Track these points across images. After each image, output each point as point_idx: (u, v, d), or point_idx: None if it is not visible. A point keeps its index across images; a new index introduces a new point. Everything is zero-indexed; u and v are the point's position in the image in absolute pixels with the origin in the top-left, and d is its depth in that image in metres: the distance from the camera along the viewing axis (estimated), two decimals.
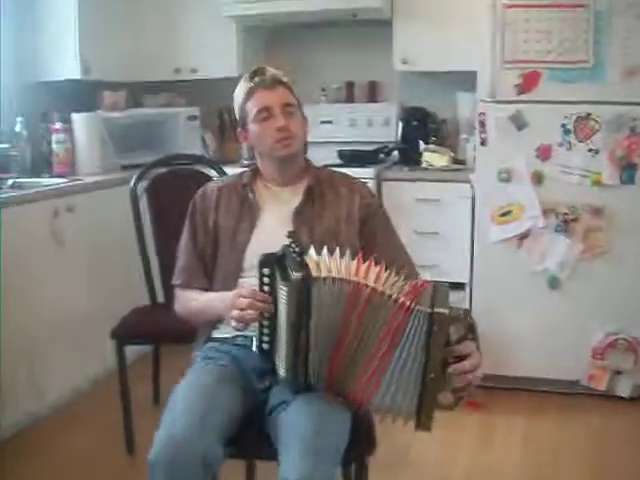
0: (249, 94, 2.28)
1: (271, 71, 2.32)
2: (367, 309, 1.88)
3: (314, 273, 1.88)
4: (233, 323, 2.03)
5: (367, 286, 1.88)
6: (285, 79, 2.32)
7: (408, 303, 1.84)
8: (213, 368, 2.15)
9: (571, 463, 3.22)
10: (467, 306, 3.88)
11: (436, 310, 1.81)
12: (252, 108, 2.27)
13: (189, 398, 2.00)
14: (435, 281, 1.98)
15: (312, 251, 1.98)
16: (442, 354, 1.84)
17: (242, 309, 1.97)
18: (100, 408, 3.72)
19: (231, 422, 2.00)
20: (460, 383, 1.89)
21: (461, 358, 1.87)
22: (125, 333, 3.22)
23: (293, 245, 1.93)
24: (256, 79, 2.29)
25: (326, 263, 1.92)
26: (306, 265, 1.88)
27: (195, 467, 1.84)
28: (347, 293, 1.88)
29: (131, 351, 3.80)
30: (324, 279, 1.88)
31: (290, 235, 1.97)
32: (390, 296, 1.86)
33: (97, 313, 3.81)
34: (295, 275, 1.85)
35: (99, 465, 3.23)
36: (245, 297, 1.98)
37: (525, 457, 3.27)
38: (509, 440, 3.42)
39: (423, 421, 1.89)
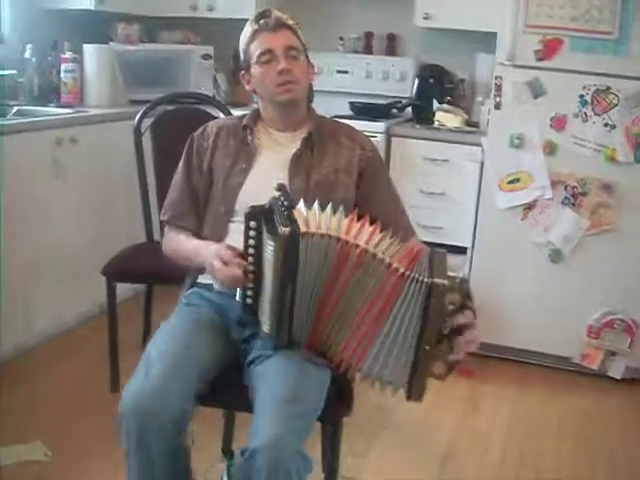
0: (253, 36, 2.22)
1: (276, 14, 2.25)
2: (356, 270, 1.85)
3: (302, 228, 1.84)
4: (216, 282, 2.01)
5: (357, 246, 1.85)
6: (290, 22, 2.25)
7: (402, 270, 1.81)
8: (193, 316, 2.13)
9: (555, 438, 3.21)
10: (467, 271, 3.85)
11: (435, 281, 1.77)
12: (255, 50, 2.21)
13: (164, 349, 1.97)
14: (433, 248, 1.95)
15: (301, 205, 1.94)
16: (438, 325, 1.81)
17: (221, 271, 1.95)
18: (88, 344, 3.72)
19: (205, 375, 1.98)
20: (455, 355, 1.86)
21: (458, 329, 1.84)
22: (116, 270, 3.20)
23: (282, 198, 1.88)
24: (261, 21, 2.22)
25: (316, 218, 1.89)
26: (294, 220, 1.84)
27: (164, 423, 1.82)
28: (335, 251, 1.85)
29: (125, 288, 3.81)
30: (312, 235, 1.84)
31: (279, 188, 1.93)
32: (382, 260, 1.83)
33: (93, 247, 3.78)
34: (282, 230, 1.81)
35: (82, 401, 3.22)
36: (223, 261, 1.95)
37: (510, 428, 3.26)
38: (496, 410, 3.41)
39: (415, 391, 1.87)
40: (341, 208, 1.93)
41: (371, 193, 2.26)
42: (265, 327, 1.93)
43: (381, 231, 1.90)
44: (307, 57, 2.26)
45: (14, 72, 3.98)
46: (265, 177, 2.17)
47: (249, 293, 1.96)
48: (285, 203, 1.87)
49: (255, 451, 1.74)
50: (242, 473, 1.79)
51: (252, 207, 1.91)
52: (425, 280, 1.78)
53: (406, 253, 1.87)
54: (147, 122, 3.49)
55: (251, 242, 1.92)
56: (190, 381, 1.91)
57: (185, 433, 1.90)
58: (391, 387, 1.91)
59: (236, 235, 2.04)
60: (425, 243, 3.72)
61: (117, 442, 1.88)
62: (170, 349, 1.97)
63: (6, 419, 3.03)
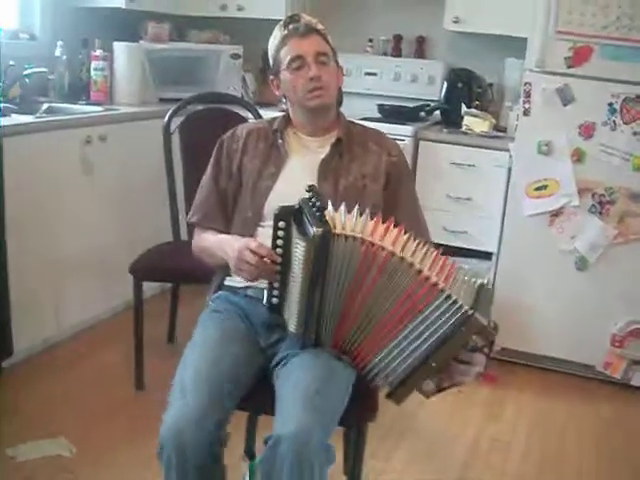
0: (282, 42, 2.23)
1: (306, 18, 2.26)
2: (383, 272, 1.86)
3: (332, 230, 1.85)
4: (240, 274, 2.02)
5: (383, 248, 1.86)
6: (320, 27, 2.26)
7: (435, 280, 1.82)
8: (222, 327, 2.13)
9: (577, 447, 3.20)
10: (492, 276, 3.84)
11: (477, 316, 1.78)
12: (285, 56, 2.22)
13: (198, 374, 1.95)
14: (484, 283, 1.93)
15: (330, 207, 1.95)
16: (454, 353, 1.83)
17: (247, 262, 1.96)
18: (115, 341, 3.74)
19: (239, 390, 1.98)
20: (448, 382, 1.89)
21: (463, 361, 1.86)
22: (143, 269, 3.22)
23: (314, 199, 1.89)
24: (290, 27, 2.23)
25: (342, 220, 1.90)
26: (326, 221, 1.85)
27: (203, 450, 1.83)
28: (360, 253, 1.87)
29: (153, 285, 3.84)
30: (338, 236, 1.86)
31: (310, 189, 1.93)
32: (412, 264, 1.85)
33: (121, 245, 3.81)
34: (315, 230, 1.82)
35: (107, 398, 3.25)
36: (252, 251, 1.96)
37: (532, 436, 3.25)
38: (518, 417, 3.40)
39: (397, 395, 1.91)
40: (367, 211, 1.94)
41: (394, 197, 2.27)
42: (292, 327, 1.95)
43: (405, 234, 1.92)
44: (336, 61, 2.27)
45: (45, 69, 4.00)
46: (294, 182, 2.17)
47: (275, 293, 1.98)
48: (317, 204, 1.88)
49: (280, 439, 1.76)
50: (266, 462, 1.80)
51: (281, 207, 1.93)
52: (466, 309, 1.78)
53: (434, 260, 1.88)
54: (176, 121, 3.52)
55: (279, 242, 1.94)
56: (226, 403, 1.91)
57: (222, 455, 1.90)
58: (381, 382, 1.94)
59: (264, 239, 2.05)
60: (451, 247, 3.79)
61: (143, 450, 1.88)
62: (203, 372, 1.95)
63: (31, 414, 3.07)
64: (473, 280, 1.92)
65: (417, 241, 1.92)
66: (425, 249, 1.91)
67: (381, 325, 1.89)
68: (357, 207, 1.94)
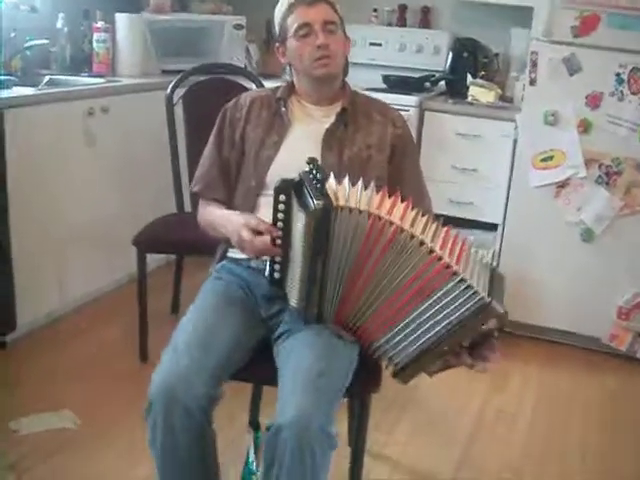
0: (290, 9, 2.20)
1: None
2: (390, 248, 1.83)
3: (333, 202, 1.82)
4: (241, 251, 2.01)
5: (391, 223, 1.82)
6: None
7: (448, 261, 1.78)
8: (222, 294, 2.13)
9: (582, 419, 3.20)
10: (497, 247, 3.82)
11: (494, 304, 1.75)
12: (292, 24, 2.19)
13: (192, 336, 1.96)
14: (495, 268, 1.94)
15: (332, 179, 1.92)
16: (468, 338, 1.83)
17: (247, 240, 1.95)
18: (119, 313, 3.74)
19: (234, 357, 1.98)
20: (455, 362, 1.89)
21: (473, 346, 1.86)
22: (146, 241, 3.21)
23: (314, 172, 1.86)
24: None
25: (345, 193, 1.86)
26: (327, 194, 1.82)
27: (190, 409, 1.82)
28: (366, 226, 1.83)
29: (156, 258, 3.83)
30: (341, 208, 1.82)
31: (310, 161, 1.91)
32: (422, 242, 1.81)
33: (124, 218, 3.79)
34: (315, 203, 1.79)
35: (111, 370, 3.26)
36: (252, 229, 1.95)
37: (537, 408, 3.25)
38: (523, 389, 3.40)
39: (404, 375, 1.91)
40: (372, 184, 1.91)
41: (398, 170, 2.24)
42: (293, 301, 1.93)
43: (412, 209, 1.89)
44: (344, 31, 2.24)
45: (46, 41, 3.96)
46: (297, 151, 2.14)
47: (277, 267, 1.97)
48: (318, 176, 1.84)
49: (281, 427, 1.75)
50: (268, 448, 1.80)
51: (281, 180, 1.91)
52: (483, 295, 1.76)
53: (444, 238, 1.85)
54: (179, 92, 3.49)
55: (280, 216, 1.92)
56: (218, 365, 1.91)
57: (211, 418, 1.89)
58: (387, 361, 1.93)
59: (266, 209, 2.04)
60: (456, 219, 3.76)
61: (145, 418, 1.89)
62: (197, 334, 1.96)
63: (35, 387, 3.08)
64: (485, 261, 1.91)
65: (426, 217, 1.89)
66: (435, 226, 1.88)
67: (388, 304, 1.86)
68: (362, 179, 1.91)
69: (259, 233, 1.94)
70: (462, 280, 1.77)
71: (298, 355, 1.92)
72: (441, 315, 1.80)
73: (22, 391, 3.05)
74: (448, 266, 1.78)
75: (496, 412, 3.18)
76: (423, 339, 1.83)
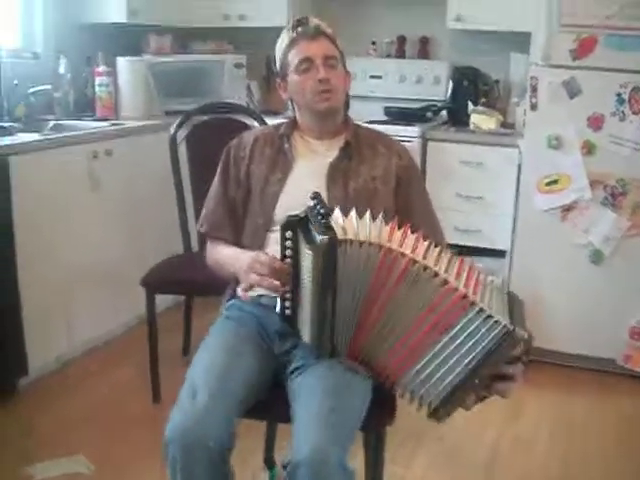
0: (291, 44, 2.22)
1: (314, 21, 2.25)
2: (403, 281, 1.80)
3: (340, 236, 1.80)
4: (243, 285, 2.00)
5: (403, 255, 1.80)
6: (328, 30, 2.25)
7: (464, 292, 1.75)
8: (235, 333, 2.12)
9: (600, 443, 3.15)
10: (506, 274, 3.81)
11: (518, 330, 1.73)
12: (293, 58, 2.20)
13: (208, 374, 1.94)
14: (511, 291, 1.92)
15: (337, 213, 1.91)
16: (498, 367, 1.79)
17: (257, 274, 1.94)
18: (129, 355, 3.74)
19: (250, 394, 1.96)
20: (488, 391, 1.84)
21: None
22: (155, 282, 3.21)
23: (317, 207, 1.86)
24: (299, 29, 2.22)
25: (353, 226, 1.85)
26: (332, 227, 1.81)
27: (210, 450, 1.80)
28: (378, 259, 1.81)
29: (165, 298, 3.83)
30: (351, 242, 1.81)
31: (314, 196, 1.90)
32: (436, 274, 1.78)
33: (131, 259, 3.80)
34: (320, 238, 1.78)
35: (124, 413, 3.24)
36: (262, 264, 1.94)
37: (554, 434, 3.22)
38: (539, 415, 3.37)
39: (442, 413, 1.86)
40: (381, 216, 1.90)
41: (406, 202, 2.24)
42: (305, 337, 1.92)
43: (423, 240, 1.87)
44: (344, 65, 2.25)
45: (49, 87, 4.01)
46: (302, 186, 2.14)
47: (287, 304, 1.95)
48: (321, 211, 1.84)
49: (298, 465, 1.73)
50: None
51: (287, 217, 1.90)
52: (505, 323, 1.73)
53: (459, 267, 1.83)
54: (182, 133, 3.51)
55: (288, 252, 1.91)
56: (235, 406, 1.89)
57: (229, 457, 1.86)
58: (420, 402, 1.88)
59: (276, 245, 2.03)
60: (464, 247, 3.76)
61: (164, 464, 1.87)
62: (213, 373, 1.94)
63: (49, 432, 3.06)
64: (499, 287, 1.89)
65: (439, 248, 1.87)
66: (449, 256, 1.86)
67: (405, 338, 1.83)
68: (369, 212, 1.90)
69: (270, 268, 1.93)
70: (481, 310, 1.74)
71: (312, 391, 1.90)
72: (465, 348, 1.76)
73: (36, 436, 3.03)
74: (465, 296, 1.75)
75: (513, 440, 3.15)
76: (452, 375, 1.79)
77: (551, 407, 3.44)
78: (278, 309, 2.01)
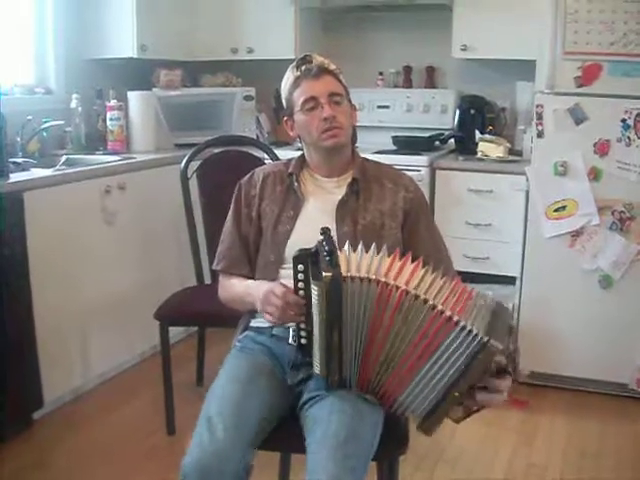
0: (295, 84, 2.26)
1: (318, 59, 2.29)
2: (398, 312, 1.85)
3: (344, 272, 1.85)
4: (267, 317, 2.02)
5: (397, 288, 1.85)
6: (332, 67, 2.29)
7: (449, 313, 1.81)
8: (249, 365, 2.14)
9: (614, 468, 3.15)
10: (517, 301, 3.82)
11: (491, 342, 1.77)
12: (298, 98, 2.24)
13: (224, 408, 1.97)
14: (500, 302, 1.95)
15: (347, 247, 1.95)
16: (476, 380, 1.83)
17: (273, 305, 1.98)
18: (144, 387, 3.76)
19: (265, 426, 1.99)
20: (475, 405, 1.89)
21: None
22: (168, 314, 3.23)
23: (324, 243, 1.90)
24: (302, 68, 2.27)
25: (357, 261, 1.90)
26: (337, 264, 1.86)
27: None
28: (376, 294, 1.86)
29: (179, 330, 3.85)
30: (352, 278, 1.86)
31: (323, 232, 1.94)
32: (426, 301, 1.83)
33: (145, 291, 3.83)
34: (325, 275, 1.83)
35: (138, 446, 3.25)
36: (277, 296, 1.97)
37: (567, 459, 3.20)
38: (551, 440, 3.36)
39: (427, 425, 1.91)
40: (384, 248, 1.94)
41: (413, 234, 2.27)
42: (317, 368, 1.95)
43: (423, 266, 1.91)
44: (349, 100, 2.29)
45: (62, 122, 4.06)
46: (313, 224, 2.15)
47: (303, 334, 1.98)
48: (326, 248, 1.88)
49: None
50: None
51: (299, 251, 1.93)
52: (480, 336, 1.77)
53: (456, 296, 1.87)
54: (193, 166, 3.55)
55: (300, 285, 1.94)
56: (251, 439, 1.92)
57: None
58: (410, 415, 1.95)
59: (286, 281, 2.06)
60: (473, 274, 3.78)
61: None
62: (229, 407, 1.96)
63: (64, 465, 3.08)
64: (489, 301, 1.92)
65: (434, 274, 1.91)
66: (442, 281, 1.90)
67: (401, 364, 1.88)
68: (374, 245, 1.95)
69: (285, 300, 1.97)
70: (463, 327, 1.79)
71: (324, 421, 1.92)
72: (447, 364, 1.82)
73: (51, 468, 3.05)
74: (449, 317, 1.80)
75: (526, 466, 3.14)
76: (437, 389, 1.85)
77: (564, 432, 3.43)
78: (291, 339, 2.05)
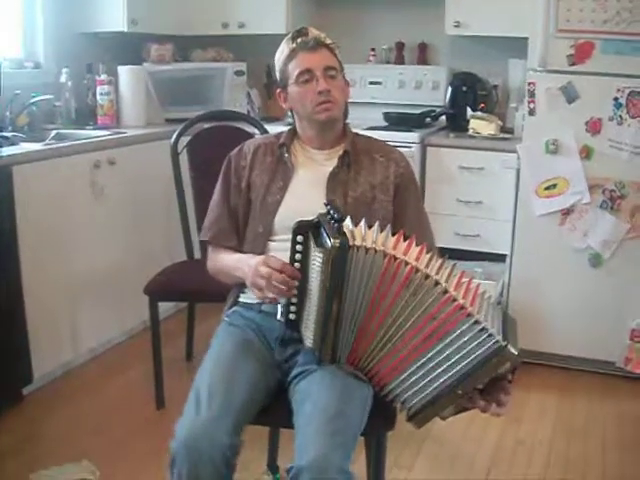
0: (291, 55, 2.24)
1: (314, 33, 2.27)
2: (405, 288, 1.84)
3: (350, 241, 1.84)
4: (256, 292, 2.02)
5: (406, 263, 1.84)
6: (328, 41, 2.27)
7: (462, 302, 1.79)
8: (237, 340, 2.13)
9: (600, 445, 3.17)
10: (507, 278, 3.83)
11: (509, 348, 1.74)
12: (293, 70, 2.22)
13: (212, 385, 1.96)
14: (506, 311, 1.94)
15: (348, 221, 1.94)
16: (482, 381, 1.81)
17: (264, 277, 1.96)
18: (133, 361, 3.77)
19: (254, 402, 1.99)
20: (468, 404, 1.87)
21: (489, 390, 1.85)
22: (158, 290, 3.23)
23: (331, 212, 1.89)
24: (298, 40, 2.24)
25: (361, 233, 1.89)
26: (344, 233, 1.85)
27: (215, 459, 1.82)
28: (382, 266, 1.84)
29: (168, 305, 3.85)
30: (358, 248, 1.84)
31: (329, 202, 1.94)
32: (437, 282, 1.82)
33: (135, 267, 3.83)
34: (332, 242, 1.81)
35: (128, 419, 3.26)
36: (271, 268, 1.96)
37: (555, 436, 3.23)
38: (539, 418, 3.38)
39: (418, 420, 1.90)
40: (389, 227, 1.93)
41: (401, 209, 2.26)
42: (308, 342, 1.94)
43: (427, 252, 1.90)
44: (344, 75, 2.28)
45: (51, 96, 4.03)
46: (302, 195, 2.19)
47: (292, 309, 1.98)
48: (335, 216, 1.87)
49: (300, 470, 1.75)
50: None
51: (299, 222, 1.93)
52: (498, 339, 1.75)
53: (459, 280, 1.85)
54: (183, 141, 3.54)
55: (297, 257, 1.94)
56: (240, 416, 1.91)
57: (235, 467, 1.89)
58: (401, 405, 1.93)
59: (275, 253, 2.07)
60: (463, 251, 3.79)
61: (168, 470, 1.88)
62: (217, 385, 1.96)
63: (54, 439, 3.09)
64: (495, 303, 1.92)
65: (441, 260, 1.90)
66: (449, 268, 1.89)
67: (402, 344, 1.86)
68: (378, 222, 1.93)
69: (277, 271, 1.95)
70: (477, 322, 1.77)
71: (313, 396, 1.92)
72: (455, 358, 1.79)
73: (41, 443, 3.06)
74: (462, 307, 1.79)
75: (514, 443, 3.16)
76: (437, 382, 1.82)
77: (551, 410, 3.46)
78: (279, 316, 2.04)
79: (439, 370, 1.82)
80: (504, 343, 1.75)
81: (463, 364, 1.78)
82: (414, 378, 1.86)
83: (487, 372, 1.78)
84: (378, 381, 1.95)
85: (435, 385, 1.83)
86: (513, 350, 1.75)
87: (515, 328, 1.88)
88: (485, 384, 1.83)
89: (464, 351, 1.78)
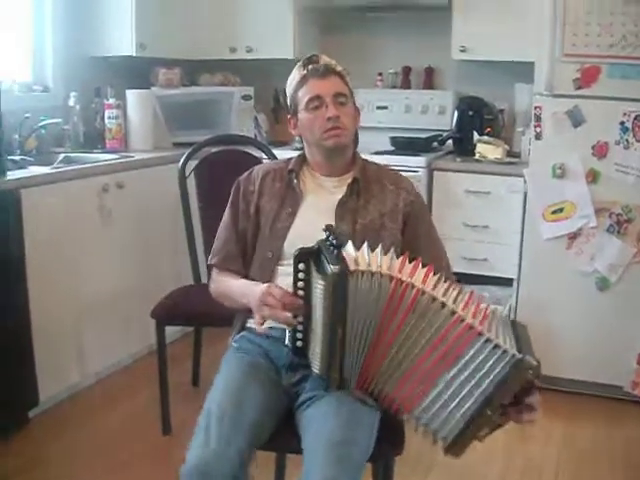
0: (301, 82, 2.25)
1: (325, 59, 2.27)
2: (412, 312, 1.83)
3: (352, 267, 1.83)
4: (257, 320, 2.02)
5: (413, 286, 1.83)
6: (339, 68, 2.28)
7: (471, 322, 1.78)
8: (245, 366, 2.13)
9: (608, 468, 3.15)
10: (514, 302, 3.82)
11: (527, 358, 1.73)
12: (303, 96, 2.23)
13: (221, 411, 1.95)
14: (515, 319, 1.93)
15: (349, 246, 1.93)
16: (509, 397, 1.78)
17: (269, 306, 1.96)
18: (139, 386, 3.75)
19: (262, 428, 1.98)
20: (504, 422, 1.84)
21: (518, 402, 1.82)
22: (164, 313, 3.22)
23: (330, 238, 1.89)
24: (309, 67, 2.25)
25: (365, 258, 1.88)
26: (343, 259, 1.84)
27: None
28: (388, 290, 1.84)
29: (175, 329, 3.85)
30: (362, 273, 1.83)
31: (327, 228, 1.93)
32: (444, 304, 1.81)
33: (142, 290, 3.83)
34: (332, 268, 1.80)
35: (133, 444, 3.24)
36: (274, 297, 1.96)
37: (562, 459, 3.21)
38: (547, 442, 3.36)
39: (457, 447, 1.86)
40: (392, 250, 1.93)
41: (413, 237, 2.26)
42: (315, 368, 1.93)
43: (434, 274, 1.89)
44: (354, 102, 2.28)
45: (59, 120, 4.05)
46: (311, 221, 2.17)
47: (299, 336, 1.97)
48: (334, 242, 1.87)
49: None
50: None
51: (300, 249, 1.92)
52: (514, 352, 1.74)
53: (475, 307, 1.84)
54: (191, 165, 3.55)
55: (300, 284, 1.93)
56: (248, 443, 1.90)
57: None
58: (434, 436, 1.89)
59: (283, 278, 2.07)
60: (471, 275, 3.78)
61: None
62: (226, 412, 1.95)
63: (60, 463, 3.08)
64: (504, 316, 1.90)
65: (448, 282, 1.89)
66: (457, 290, 1.88)
67: (414, 369, 1.85)
68: (380, 246, 1.93)
69: (281, 301, 1.95)
70: (488, 340, 1.76)
71: (321, 423, 1.92)
72: (475, 379, 1.77)
73: (47, 466, 3.05)
74: (472, 327, 1.78)
75: (521, 467, 3.14)
76: (464, 408, 1.80)
77: (559, 434, 3.43)
78: (287, 341, 2.04)
79: (462, 393, 1.79)
80: (520, 355, 1.74)
81: (485, 384, 1.76)
82: (438, 405, 1.83)
83: (512, 387, 1.76)
84: (398, 408, 1.93)
85: (462, 411, 1.80)
86: (531, 360, 1.74)
87: (527, 334, 1.87)
88: (517, 401, 1.81)
89: (483, 371, 1.76)
